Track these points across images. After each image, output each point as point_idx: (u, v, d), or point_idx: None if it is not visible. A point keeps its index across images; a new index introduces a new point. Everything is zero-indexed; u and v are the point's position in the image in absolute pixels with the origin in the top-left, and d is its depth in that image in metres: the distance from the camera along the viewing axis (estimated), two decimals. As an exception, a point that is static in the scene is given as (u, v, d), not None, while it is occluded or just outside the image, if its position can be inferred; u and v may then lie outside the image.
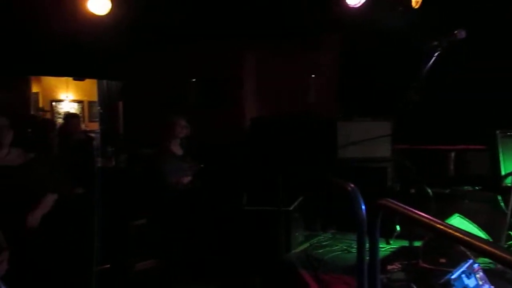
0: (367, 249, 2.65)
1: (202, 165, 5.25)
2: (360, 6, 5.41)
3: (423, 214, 2.02)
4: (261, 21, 6.37)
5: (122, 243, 5.08)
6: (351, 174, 3.65)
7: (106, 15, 5.50)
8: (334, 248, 5.11)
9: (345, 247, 5.07)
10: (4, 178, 3.14)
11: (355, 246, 4.64)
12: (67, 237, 4.27)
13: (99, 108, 12.66)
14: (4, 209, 2.97)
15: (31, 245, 3.64)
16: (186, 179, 5.06)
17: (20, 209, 3.60)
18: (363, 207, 2.79)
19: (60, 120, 10.49)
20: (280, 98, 7.23)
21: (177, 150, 5.16)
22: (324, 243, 5.32)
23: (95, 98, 12.97)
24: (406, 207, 2.18)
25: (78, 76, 11.71)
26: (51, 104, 13.43)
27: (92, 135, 9.48)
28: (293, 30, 6.72)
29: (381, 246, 3.69)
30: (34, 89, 13.23)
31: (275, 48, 7.28)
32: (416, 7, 5.23)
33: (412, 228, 4.22)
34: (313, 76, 7.25)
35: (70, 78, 12.62)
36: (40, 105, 13.19)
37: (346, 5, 5.45)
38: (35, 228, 3.71)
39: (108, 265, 4.86)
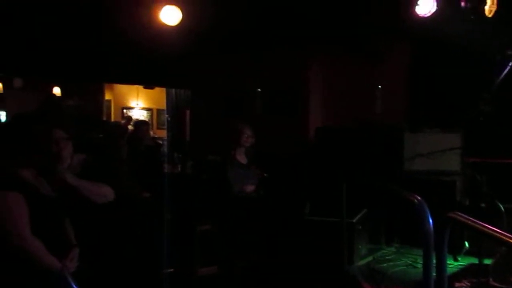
0: (434, 264, 2.58)
1: (266, 174, 5.28)
2: (430, 15, 5.29)
3: (494, 228, 1.95)
4: (328, 30, 6.34)
5: (187, 247, 5.18)
6: (418, 187, 3.56)
7: (177, 25, 5.66)
8: (398, 262, 4.99)
9: (409, 262, 4.94)
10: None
11: (420, 261, 4.53)
12: (135, 239, 4.41)
13: (167, 115, 13.01)
14: (74, 209, 3.08)
15: (100, 244, 3.77)
16: (250, 188, 5.10)
17: (88, 209, 3.74)
18: (430, 220, 2.71)
19: (130, 127, 10.87)
20: (346, 108, 7.16)
21: (242, 158, 5.22)
22: (387, 257, 5.21)
23: (163, 106, 13.34)
24: (476, 221, 2.10)
25: (149, 84, 12.09)
26: (122, 111, 13.95)
27: (160, 141, 9.77)
28: (361, 40, 6.65)
29: (448, 262, 3.57)
30: (107, 96, 13.81)
31: (342, 57, 7.23)
32: (490, 16, 5.05)
33: (482, 244, 4.06)
34: (380, 86, 7.13)
35: (141, 87, 13.07)
36: (112, 112, 13.73)
37: (416, 14, 5.34)
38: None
39: (172, 269, 4.97)
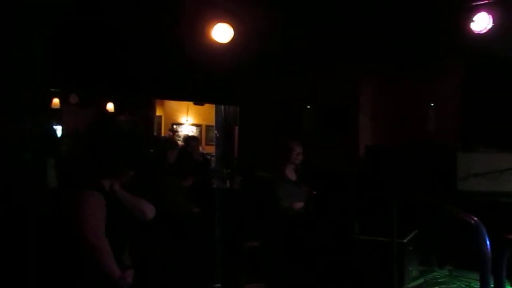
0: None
1: (315, 192, 5.23)
2: (486, 32, 5.17)
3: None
4: (380, 47, 6.29)
5: (234, 263, 5.18)
6: (473, 208, 3.44)
7: (228, 42, 5.73)
8: (451, 286, 4.82)
9: (463, 286, 4.77)
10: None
11: (475, 286, 4.36)
12: (184, 254, 4.44)
13: (215, 132, 13.15)
14: (127, 230, 3.15)
15: (153, 263, 3.82)
16: (299, 205, 5.07)
17: (140, 230, 3.79)
18: (488, 242, 2.61)
19: (180, 142, 11.04)
20: (397, 126, 7.05)
21: (292, 175, 5.20)
22: (440, 280, 5.04)
23: (212, 122, 13.50)
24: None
25: (199, 100, 12.27)
26: (172, 127, 14.20)
27: (208, 157, 9.87)
28: (413, 57, 6.55)
29: None
30: (158, 112, 14.10)
31: (393, 74, 7.14)
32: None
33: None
34: (432, 104, 6.99)
35: (191, 103, 13.28)
36: (163, 127, 13.99)
37: (471, 31, 5.23)
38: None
39: (220, 285, 4.97)
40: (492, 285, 2.49)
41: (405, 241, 4.92)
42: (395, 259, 4.71)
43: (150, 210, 3.22)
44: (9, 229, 3.77)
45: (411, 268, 5.00)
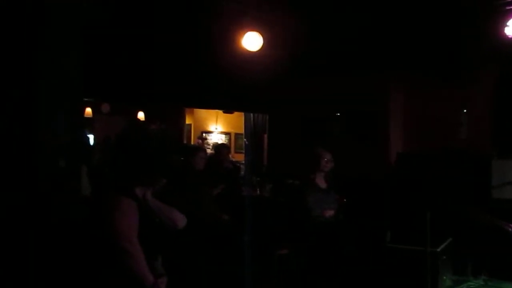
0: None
1: (345, 199, 5.19)
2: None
3: None
4: (410, 53, 6.23)
5: (265, 271, 5.17)
6: (508, 217, 3.37)
7: (258, 51, 5.76)
8: (486, 296, 4.71)
9: (499, 297, 4.65)
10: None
11: (512, 296, 4.25)
12: (214, 261, 4.45)
13: (245, 139, 13.20)
14: (159, 238, 3.18)
15: (185, 271, 3.84)
16: (329, 212, 5.03)
17: (172, 236, 3.82)
18: (526, 252, 2.55)
19: (209, 150, 11.12)
20: (428, 133, 6.96)
21: (322, 183, 5.17)
22: (475, 290, 4.93)
23: (241, 130, 13.57)
24: None
25: (229, 109, 12.35)
26: (202, 135, 14.31)
27: (238, 165, 9.91)
28: (445, 63, 6.47)
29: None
30: (188, 120, 14.24)
31: (423, 81, 7.06)
32: None
33: None
34: (465, 110, 6.88)
35: (220, 111, 13.37)
36: (192, 135, 14.11)
37: (505, 36, 5.13)
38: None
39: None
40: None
41: (438, 250, 4.83)
42: (428, 269, 4.63)
43: (181, 220, 3.24)
44: (45, 235, 3.85)
45: (445, 278, 4.90)
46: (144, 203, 2.99)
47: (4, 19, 3.88)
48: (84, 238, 3.04)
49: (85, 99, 9.64)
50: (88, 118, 11.65)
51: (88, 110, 11.81)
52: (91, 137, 11.80)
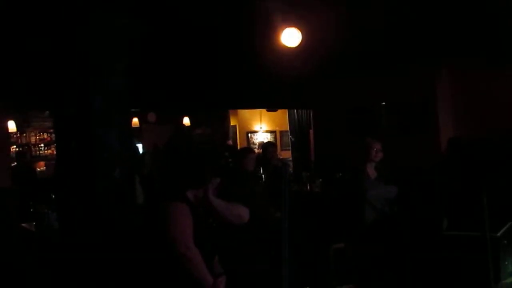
0: None
1: (397, 189, 5.13)
2: None
3: None
4: (453, 38, 6.07)
5: (322, 266, 5.16)
6: None
7: (298, 46, 5.75)
8: (552, 278, 4.56)
9: None
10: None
11: None
12: (269, 258, 4.48)
13: (290, 136, 13.19)
14: (215, 238, 3.23)
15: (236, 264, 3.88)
16: (382, 203, 4.98)
17: (226, 236, 3.88)
18: None
19: (256, 150, 11.18)
20: (480, 117, 6.78)
21: (372, 173, 5.12)
22: (540, 274, 4.78)
23: (286, 127, 13.57)
24: None
25: (272, 107, 12.38)
26: (247, 135, 14.39)
27: (286, 162, 9.92)
28: (491, 43, 6.27)
29: None
30: (232, 122, 14.36)
31: (471, 64, 6.88)
32: None
33: None
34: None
35: (264, 110, 13.41)
36: (238, 136, 14.22)
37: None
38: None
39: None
40: None
41: (498, 234, 4.71)
42: (489, 254, 4.52)
43: (246, 213, 3.30)
44: (103, 244, 3.97)
45: (507, 263, 4.78)
46: (206, 203, 3.05)
47: (52, 35, 4.04)
48: (143, 246, 3.12)
49: (132, 110, 9.87)
50: (135, 128, 11.91)
51: (135, 120, 12.08)
52: (140, 147, 12.07)
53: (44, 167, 11.54)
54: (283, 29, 5.67)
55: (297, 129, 12.76)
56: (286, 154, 13.32)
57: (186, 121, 13.31)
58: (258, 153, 7.60)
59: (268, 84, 8.12)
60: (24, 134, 11.90)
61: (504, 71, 6.65)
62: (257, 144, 13.73)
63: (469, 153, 6.22)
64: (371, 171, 5.11)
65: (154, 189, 3.47)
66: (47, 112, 11.08)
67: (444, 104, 7.30)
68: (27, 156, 10.14)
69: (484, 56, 6.55)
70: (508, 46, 6.24)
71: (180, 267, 2.87)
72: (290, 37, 5.68)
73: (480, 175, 5.42)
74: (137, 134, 12.14)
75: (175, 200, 2.92)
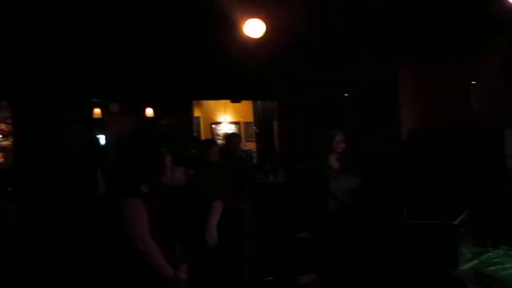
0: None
1: (359, 179, 5.21)
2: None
3: None
4: (417, 29, 6.18)
5: (285, 256, 5.21)
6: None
7: (261, 37, 5.75)
8: (506, 265, 4.70)
9: (520, 265, 4.65)
10: (172, 196, 3.46)
11: (533, 264, 4.26)
12: (233, 249, 4.49)
13: (254, 128, 13.21)
14: (177, 225, 3.25)
15: (206, 257, 3.90)
16: (345, 193, 5.05)
17: (190, 223, 3.89)
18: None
19: (219, 141, 11.15)
20: (441, 108, 6.92)
21: (335, 164, 5.19)
22: (495, 260, 4.92)
23: (251, 119, 13.58)
24: None
25: (236, 98, 12.35)
26: (211, 127, 14.34)
27: (250, 153, 9.92)
28: (452, 36, 6.41)
29: None
30: (196, 113, 14.27)
31: (433, 56, 7.01)
32: None
33: None
34: (473, 83, 6.83)
35: (228, 101, 13.38)
36: (202, 127, 14.15)
37: (509, 4, 5.09)
38: (215, 236, 4.00)
39: (271, 278, 5.01)
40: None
41: (456, 222, 4.84)
42: (447, 242, 4.64)
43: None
44: (63, 236, 3.90)
45: (463, 250, 4.91)
46: (155, 196, 3.04)
47: (11, 23, 3.92)
48: (103, 238, 3.10)
49: (94, 100, 9.69)
50: (97, 119, 11.71)
51: (97, 111, 11.89)
52: (102, 138, 11.88)
53: (3, 159, 11.24)
54: (246, 20, 5.65)
55: (262, 120, 12.78)
56: (251, 145, 13.33)
57: (150, 111, 13.17)
58: (222, 144, 7.59)
59: (232, 75, 8.10)
60: (-19, 125, 11.54)
61: (462, 64, 6.81)
62: (222, 135, 13.70)
63: (429, 143, 6.36)
64: (334, 162, 5.17)
65: (112, 182, 3.44)
66: (5, 101, 10.77)
67: (405, 95, 7.41)
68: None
69: (444, 49, 6.69)
70: (468, 39, 6.41)
71: (139, 262, 2.87)
72: (254, 28, 5.68)
73: (439, 165, 5.56)
74: (100, 125, 11.94)
75: (130, 196, 2.92)
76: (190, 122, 14.01)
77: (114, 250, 3.00)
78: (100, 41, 5.27)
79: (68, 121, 3.94)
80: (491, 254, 5.10)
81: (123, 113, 12.60)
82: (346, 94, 7.81)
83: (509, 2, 5.08)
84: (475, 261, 4.92)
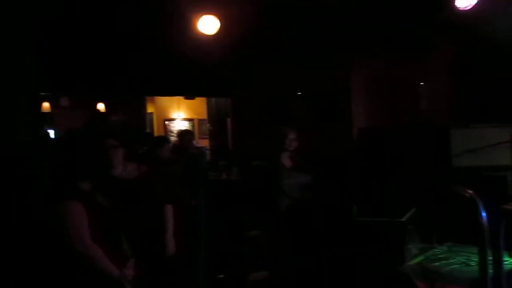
0: (490, 262, 2.51)
1: (310, 177, 5.27)
2: (471, 8, 5.19)
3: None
4: (368, 31, 6.29)
5: (236, 253, 5.21)
6: (468, 184, 3.48)
7: (215, 34, 5.72)
8: (450, 261, 4.85)
9: (463, 260, 4.81)
10: (123, 191, 3.39)
11: (474, 259, 4.41)
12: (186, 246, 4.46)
13: (208, 125, 13.17)
14: (126, 219, 3.19)
15: (154, 254, 3.86)
16: (296, 191, 5.10)
17: (140, 218, 3.84)
18: (484, 214, 2.65)
19: (173, 138, 11.05)
20: (390, 108, 7.07)
21: (287, 162, 5.23)
22: (440, 256, 5.07)
23: (204, 116, 13.51)
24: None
25: (189, 95, 12.27)
26: (164, 123, 14.18)
27: (204, 150, 9.88)
28: (402, 38, 6.57)
29: (504, 259, 3.46)
30: (149, 109, 14.08)
31: (383, 57, 7.16)
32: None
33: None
34: (422, 83, 7.02)
35: (182, 98, 13.27)
36: (155, 124, 13.99)
37: (456, 8, 5.25)
38: (173, 245, 3.97)
39: (222, 275, 5.01)
40: (490, 257, 2.53)
41: (403, 219, 4.96)
42: (395, 238, 4.75)
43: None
44: (6, 234, 3.79)
45: (410, 246, 5.04)
46: (97, 194, 2.95)
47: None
48: (47, 239, 3.01)
49: (42, 94, 9.43)
50: (46, 113, 11.40)
51: (46, 105, 11.56)
52: (51, 133, 11.56)
53: None
54: (201, 16, 5.62)
55: (216, 117, 12.75)
56: (204, 143, 13.26)
57: (101, 107, 12.91)
58: (176, 141, 7.53)
59: (185, 71, 8.04)
60: None
61: (411, 65, 6.98)
62: (176, 132, 13.58)
63: (378, 142, 6.49)
64: (286, 160, 5.22)
65: (52, 181, 3.28)
66: None
67: (356, 94, 7.54)
68: None
69: (394, 50, 6.85)
70: (417, 42, 6.58)
71: (82, 264, 2.81)
72: (208, 25, 5.64)
73: (387, 164, 5.69)
74: (49, 119, 11.63)
75: (67, 199, 2.82)
76: (143, 118, 13.82)
77: (57, 253, 2.90)
78: (50, 33, 5.13)
79: (14, 115, 3.81)
80: (436, 250, 5.27)
81: (74, 107, 12.31)
82: (299, 93, 7.87)
83: (456, 7, 5.24)
84: (421, 257, 5.06)
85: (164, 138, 6.88)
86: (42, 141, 6.13)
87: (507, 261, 4.48)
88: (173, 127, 14.12)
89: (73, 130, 3.40)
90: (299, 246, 4.88)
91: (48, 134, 10.85)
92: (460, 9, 5.23)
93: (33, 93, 4.07)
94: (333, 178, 5.77)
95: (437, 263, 4.80)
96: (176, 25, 5.87)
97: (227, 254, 5.03)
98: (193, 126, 14.30)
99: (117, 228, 3.04)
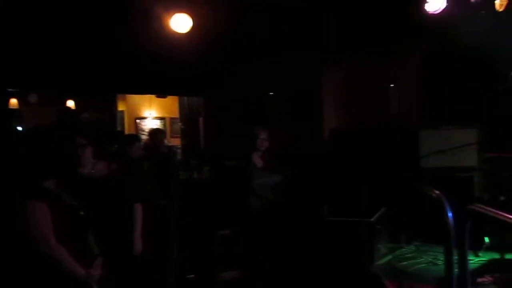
0: (455, 261, 2.56)
1: (281, 177, 5.30)
2: (441, 12, 5.28)
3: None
4: (340, 32, 6.35)
5: (207, 253, 5.20)
6: (436, 185, 3.54)
7: (187, 32, 5.70)
8: (418, 260, 4.94)
9: (430, 259, 4.90)
10: (92, 188, 3.36)
11: (441, 258, 4.49)
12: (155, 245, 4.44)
13: (180, 124, 13.09)
14: (95, 217, 3.15)
15: (122, 252, 3.82)
16: (268, 190, 5.12)
17: (109, 216, 3.80)
18: (450, 214, 2.70)
19: (144, 136, 10.96)
20: (361, 109, 7.15)
21: (259, 162, 5.25)
22: (407, 255, 5.16)
23: (176, 114, 13.42)
24: (497, 211, 2.10)
25: (161, 93, 12.18)
26: (135, 122, 14.04)
27: (175, 149, 9.82)
28: (373, 40, 6.65)
29: (469, 258, 3.54)
30: (120, 107, 13.91)
31: (354, 58, 7.23)
32: (501, 10, 5.02)
33: (503, 239, 4.03)
34: (392, 85, 7.11)
35: (153, 96, 13.16)
36: (126, 122, 13.83)
37: (426, 12, 5.34)
38: (140, 245, 3.93)
39: (193, 275, 5.00)
40: (456, 257, 2.58)
41: (372, 219, 5.02)
42: (364, 238, 4.82)
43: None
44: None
45: (379, 246, 5.11)
46: (63, 193, 2.91)
47: None
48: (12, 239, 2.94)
49: (10, 90, 9.24)
50: (14, 110, 11.17)
51: (14, 101, 11.32)
52: (19, 129, 11.33)
53: None
54: (173, 14, 5.58)
55: (188, 116, 12.69)
56: (176, 142, 13.19)
57: (71, 104, 12.70)
58: (147, 140, 7.47)
59: (157, 69, 7.97)
60: None
61: (382, 67, 7.07)
62: (147, 131, 13.47)
63: (349, 143, 6.56)
64: (257, 159, 5.23)
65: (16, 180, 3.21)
66: None
67: (328, 95, 7.60)
68: None
69: (365, 52, 6.93)
70: (387, 44, 6.67)
71: (47, 265, 2.77)
72: (180, 23, 5.61)
73: (357, 164, 5.75)
74: (17, 116, 11.39)
75: (31, 199, 2.76)
76: (113, 116, 13.65)
77: (22, 254, 2.84)
78: (19, 29, 5.03)
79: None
80: (404, 250, 5.35)
81: (43, 104, 12.08)
82: (271, 93, 7.89)
83: (426, 11, 5.33)
84: (390, 256, 5.14)
85: (134, 137, 6.82)
86: (10, 138, 6.00)
87: (472, 260, 4.60)
88: (144, 125, 13.99)
89: (40, 127, 3.33)
90: (270, 246, 4.90)
91: (16, 130, 10.65)
92: (430, 13, 5.32)
93: (0, 89, 3.98)
94: (304, 178, 5.80)
95: (405, 263, 4.88)
96: (148, 23, 5.82)
97: (198, 253, 5.02)
98: (164, 124, 14.19)
99: (83, 227, 3.00)
